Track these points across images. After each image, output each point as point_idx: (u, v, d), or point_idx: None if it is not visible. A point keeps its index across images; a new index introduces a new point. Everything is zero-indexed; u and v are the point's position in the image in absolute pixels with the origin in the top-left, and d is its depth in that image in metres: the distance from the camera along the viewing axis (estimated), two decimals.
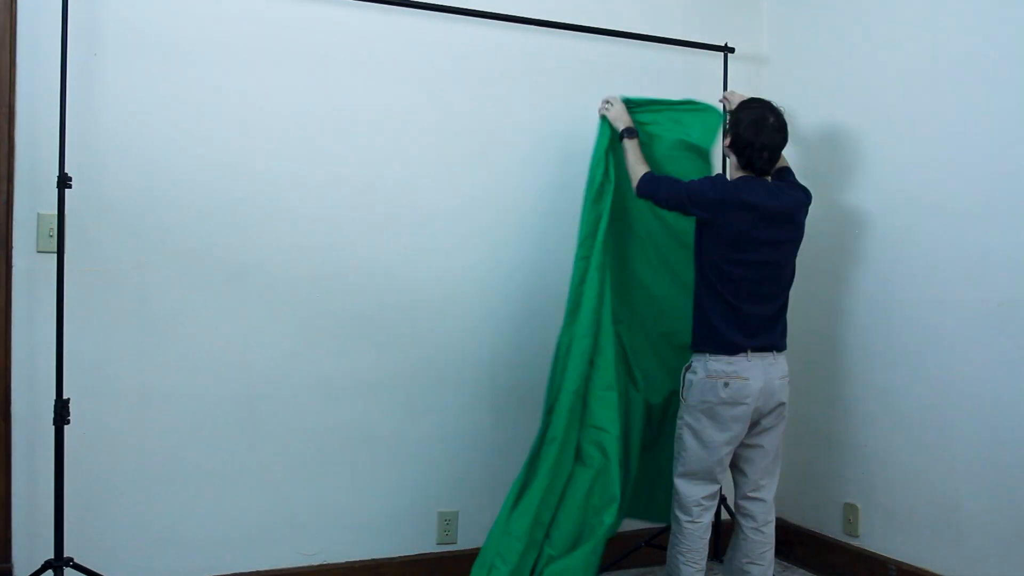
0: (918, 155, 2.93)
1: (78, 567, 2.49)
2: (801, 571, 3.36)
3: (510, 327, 3.16)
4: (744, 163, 2.69)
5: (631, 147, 2.89)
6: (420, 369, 3.05)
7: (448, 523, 3.10)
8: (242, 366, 2.81)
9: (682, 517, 2.69)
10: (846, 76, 3.22)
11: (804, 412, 3.40)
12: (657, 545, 3.27)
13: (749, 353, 2.63)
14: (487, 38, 3.10)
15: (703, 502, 2.68)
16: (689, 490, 2.68)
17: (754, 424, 2.68)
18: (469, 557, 2.93)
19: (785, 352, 2.76)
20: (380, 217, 2.98)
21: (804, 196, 2.78)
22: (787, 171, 2.91)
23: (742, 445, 2.71)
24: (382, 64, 2.98)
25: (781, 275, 2.73)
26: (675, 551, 2.70)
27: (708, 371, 2.64)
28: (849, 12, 3.22)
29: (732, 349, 2.63)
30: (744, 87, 3.32)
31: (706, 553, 2.68)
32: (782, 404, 2.72)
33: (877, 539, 3.08)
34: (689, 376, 2.71)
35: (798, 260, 2.75)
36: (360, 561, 2.99)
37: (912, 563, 2.94)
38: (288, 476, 2.89)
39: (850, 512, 3.18)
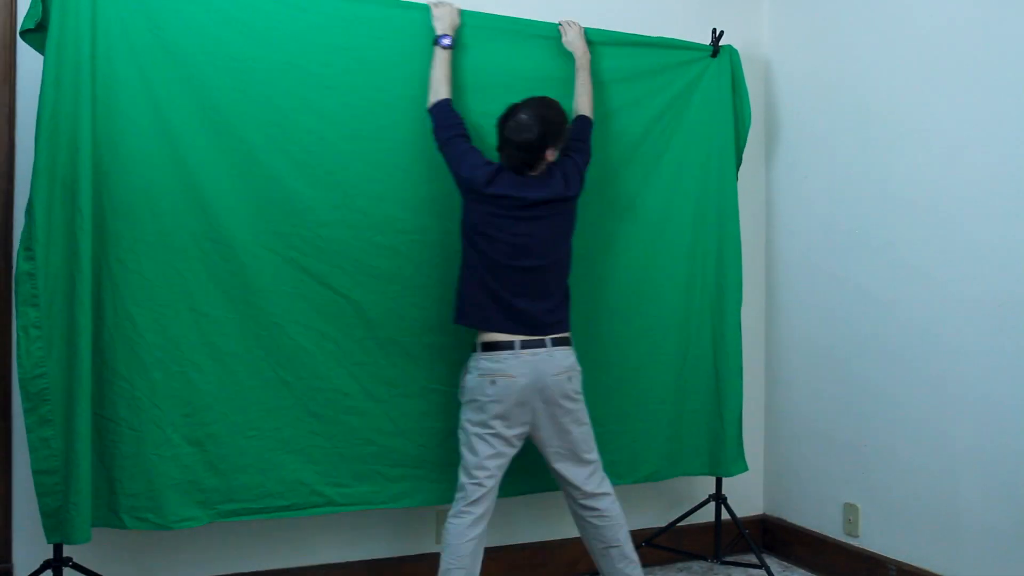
0: (918, 154, 2.92)
1: (78, 567, 2.49)
2: (801, 571, 3.36)
3: None
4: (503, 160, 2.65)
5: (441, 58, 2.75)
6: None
7: None
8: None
9: None
10: (846, 74, 3.22)
11: (804, 412, 3.40)
12: (657, 545, 3.28)
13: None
14: None
15: None
16: None
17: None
18: None
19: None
20: None
21: (563, 187, 2.64)
22: (575, 147, 2.77)
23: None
24: None
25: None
26: None
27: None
28: (850, 9, 3.22)
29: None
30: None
31: None
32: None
33: (877, 539, 3.08)
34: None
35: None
36: (360, 561, 2.98)
37: (912, 563, 2.94)
38: None
39: (850, 512, 3.18)
